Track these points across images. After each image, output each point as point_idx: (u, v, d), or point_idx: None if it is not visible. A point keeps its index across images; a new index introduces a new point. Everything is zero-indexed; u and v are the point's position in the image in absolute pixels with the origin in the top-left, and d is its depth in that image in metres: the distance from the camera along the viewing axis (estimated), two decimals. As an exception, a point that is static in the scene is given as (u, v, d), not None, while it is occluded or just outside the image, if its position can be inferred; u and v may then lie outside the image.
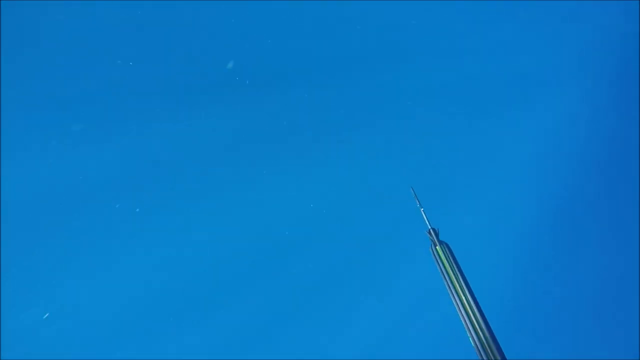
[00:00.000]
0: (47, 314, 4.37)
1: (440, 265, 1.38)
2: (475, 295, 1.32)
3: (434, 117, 4.89)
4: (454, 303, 1.28)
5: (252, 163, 4.77)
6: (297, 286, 4.74)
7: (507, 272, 4.99)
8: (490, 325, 1.25)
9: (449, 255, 1.40)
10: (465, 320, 1.23)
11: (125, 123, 4.63)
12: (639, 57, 4.35)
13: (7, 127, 4.29)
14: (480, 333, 1.18)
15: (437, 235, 1.47)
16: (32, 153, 4.44)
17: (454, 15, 4.75)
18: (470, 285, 1.34)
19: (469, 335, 1.21)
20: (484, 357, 1.16)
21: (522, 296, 4.94)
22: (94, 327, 4.47)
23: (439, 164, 4.78)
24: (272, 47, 4.83)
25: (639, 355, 3.60)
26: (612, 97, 4.55)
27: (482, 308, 1.30)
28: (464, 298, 1.27)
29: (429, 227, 1.50)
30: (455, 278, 1.32)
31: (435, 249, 1.44)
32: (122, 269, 4.55)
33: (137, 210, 4.54)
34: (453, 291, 1.29)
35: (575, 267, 4.75)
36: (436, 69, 4.89)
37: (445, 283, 1.34)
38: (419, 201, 1.61)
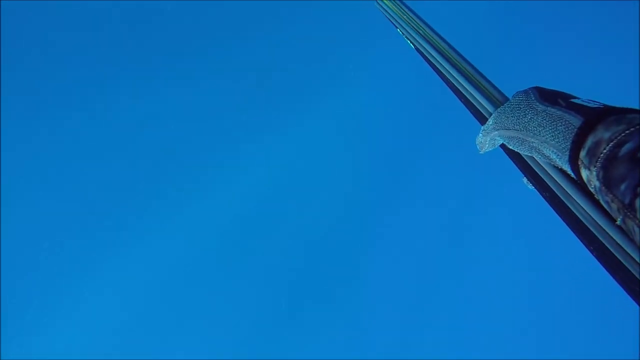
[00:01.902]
0: None
1: (393, 15, 1.09)
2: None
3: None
4: (423, 53, 0.98)
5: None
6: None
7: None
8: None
9: (401, 3, 1.11)
10: (445, 70, 0.92)
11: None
12: (639, 55, 4.25)
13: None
14: (468, 81, 0.88)
15: None
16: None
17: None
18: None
19: (454, 91, 0.90)
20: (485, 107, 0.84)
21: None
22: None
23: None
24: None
25: (639, 355, 3.36)
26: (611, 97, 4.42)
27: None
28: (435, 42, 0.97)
29: None
30: (414, 22, 1.03)
31: (382, 0, 1.15)
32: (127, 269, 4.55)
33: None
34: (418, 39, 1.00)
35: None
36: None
37: (403, 32, 1.05)
38: None
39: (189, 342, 4.58)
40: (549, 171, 0.73)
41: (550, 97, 0.71)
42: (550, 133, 0.66)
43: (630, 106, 0.59)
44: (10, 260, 4.34)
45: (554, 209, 0.72)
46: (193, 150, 4.79)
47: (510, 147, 0.76)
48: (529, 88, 0.75)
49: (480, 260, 4.59)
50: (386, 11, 1.15)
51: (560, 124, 0.64)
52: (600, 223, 0.65)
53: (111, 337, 4.43)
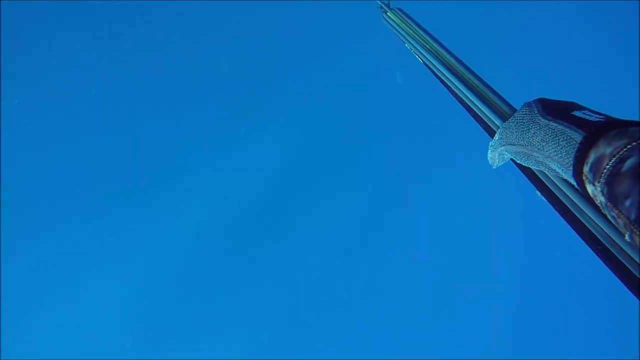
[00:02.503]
0: None
1: (399, 29, 1.11)
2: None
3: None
4: (430, 66, 0.98)
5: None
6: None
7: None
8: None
9: (406, 17, 1.13)
10: (451, 83, 0.92)
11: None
12: (639, 57, 4.26)
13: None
14: (475, 92, 0.88)
15: (388, 5, 1.22)
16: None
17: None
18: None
19: (463, 105, 0.90)
20: (492, 120, 0.84)
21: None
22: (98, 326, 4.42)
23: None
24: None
25: (639, 355, 3.32)
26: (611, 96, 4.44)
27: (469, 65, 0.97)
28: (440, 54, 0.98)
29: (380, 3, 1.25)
30: (421, 36, 1.04)
31: (387, 15, 1.18)
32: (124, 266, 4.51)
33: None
34: (423, 52, 1.01)
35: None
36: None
37: (411, 47, 1.06)
38: None
39: (190, 343, 4.55)
40: (559, 184, 0.72)
41: (553, 110, 0.69)
42: (553, 148, 0.65)
43: (630, 118, 0.58)
44: (10, 260, 4.32)
45: (567, 221, 0.71)
46: (194, 150, 4.76)
47: (518, 162, 0.75)
48: (533, 100, 0.74)
49: (498, 268, 4.58)
50: (393, 26, 1.16)
51: (562, 139, 0.63)
52: (612, 236, 0.64)
53: (111, 337, 4.41)
